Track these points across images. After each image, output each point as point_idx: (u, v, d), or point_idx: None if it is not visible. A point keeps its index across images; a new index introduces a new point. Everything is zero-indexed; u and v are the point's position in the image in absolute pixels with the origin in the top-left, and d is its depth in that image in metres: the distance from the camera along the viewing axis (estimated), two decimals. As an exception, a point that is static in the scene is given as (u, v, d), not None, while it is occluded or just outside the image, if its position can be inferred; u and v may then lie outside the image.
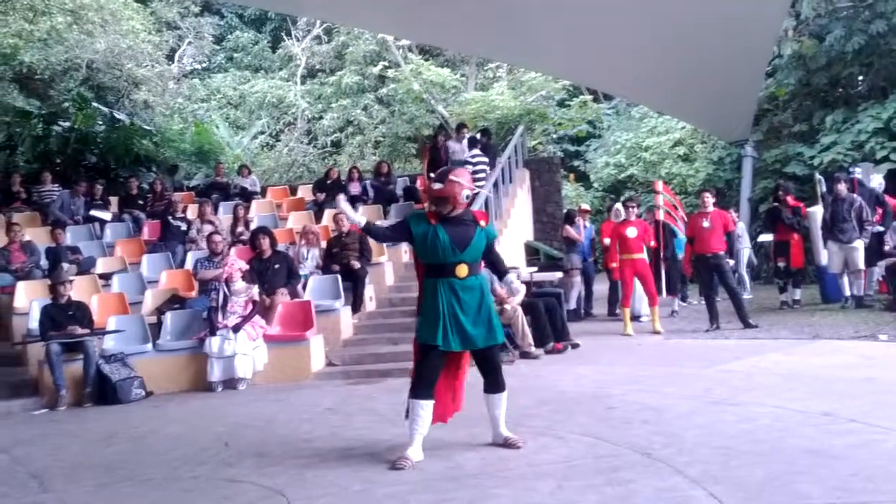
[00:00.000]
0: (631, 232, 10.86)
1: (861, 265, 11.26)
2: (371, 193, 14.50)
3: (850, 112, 16.50)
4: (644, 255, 10.90)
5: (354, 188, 14.53)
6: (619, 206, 12.42)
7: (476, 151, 13.83)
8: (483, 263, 5.35)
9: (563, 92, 22.42)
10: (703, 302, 11.10)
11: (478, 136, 14.54)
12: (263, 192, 15.81)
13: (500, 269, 5.54)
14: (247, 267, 9.51)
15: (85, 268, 11.24)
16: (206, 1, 27.43)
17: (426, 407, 5.04)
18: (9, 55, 18.96)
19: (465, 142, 14.35)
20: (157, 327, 9.65)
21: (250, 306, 9.17)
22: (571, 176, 23.63)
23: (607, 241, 12.87)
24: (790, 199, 12.71)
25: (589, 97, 21.99)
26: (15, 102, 18.95)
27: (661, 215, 12.87)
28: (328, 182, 14.69)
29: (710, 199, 10.92)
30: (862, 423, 5.18)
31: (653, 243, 11.70)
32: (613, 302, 12.82)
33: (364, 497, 4.42)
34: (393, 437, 5.60)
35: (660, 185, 13.95)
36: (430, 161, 13.61)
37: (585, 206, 14.74)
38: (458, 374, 5.36)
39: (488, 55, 16.60)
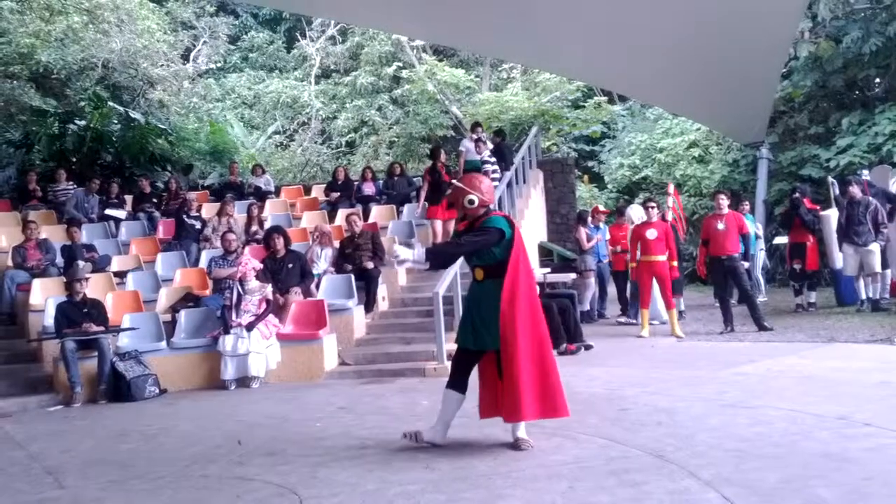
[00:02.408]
0: (651, 233, 10.79)
1: (877, 268, 11.20)
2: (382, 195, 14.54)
3: (866, 114, 16.40)
4: (664, 258, 10.81)
5: (368, 188, 14.58)
6: (630, 209, 12.39)
7: (487, 152, 13.81)
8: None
9: (578, 93, 22.38)
10: (718, 304, 11.04)
11: (483, 136, 14.40)
12: (277, 192, 15.86)
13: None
14: (261, 266, 9.54)
15: (100, 266, 11.30)
16: (222, 1, 27.54)
17: (448, 396, 5.30)
18: (26, 54, 19.09)
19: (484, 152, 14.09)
20: (171, 325, 9.71)
21: (264, 305, 9.21)
22: (585, 177, 23.58)
23: (618, 247, 12.86)
24: (807, 202, 12.65)
25: (603, 98, 21.93)
26: (31, 101, 19.07)
27: (669, 217, 12.82)
28: (338, 183, 14.72)
29: (724, 201, 10.87)
30: (877, 427, 5.14)
31: None
32: (625, 302, 12.80)
33: (376, 496, 4.42)
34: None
35: (671, 188, 13.91)
36: (430, 186, 13.01)
37: (601, 207, 14.69)
38: (496, 375, 5.29)
39: (503, 56, 16.59)
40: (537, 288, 5.30)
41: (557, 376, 5.18)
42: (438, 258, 5.32)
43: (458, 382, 5.29)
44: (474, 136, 13.93)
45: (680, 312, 12.10)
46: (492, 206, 5.36)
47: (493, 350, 5.16)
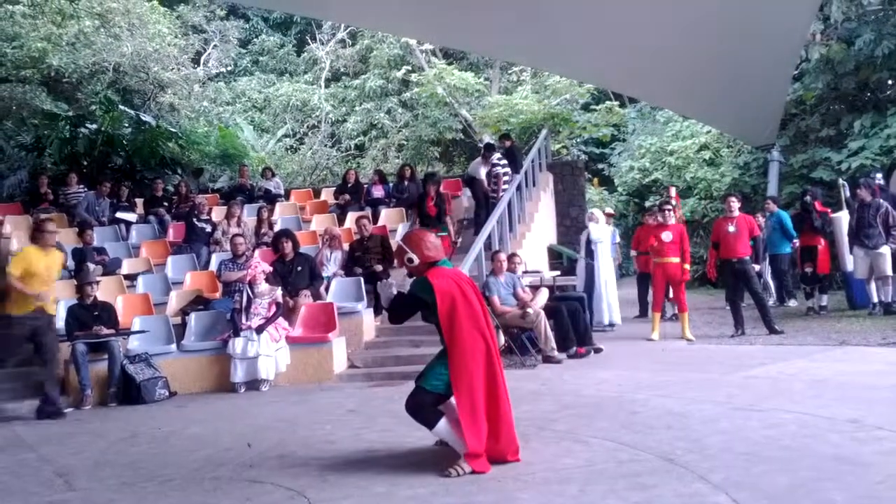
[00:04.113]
0: (666, 236, 10.80)
1: (888, 271, 11.13)
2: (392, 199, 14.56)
3: (878, 116, 16.31)
4: (677, 260, 10.81)
5: (378, 191, 14.59)
6: (593, 211, 12.64)
7: (498, 155, 13.80)
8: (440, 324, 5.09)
9: (588, 96, 22.34)
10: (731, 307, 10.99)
11: (492, 140, 14.38)
12: (287, 195, 15.89)
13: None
14: (270, 269, 9.57)
15: (111, 268, 11.35)
16: (232, 5, 27.63)
17: (438, 430, 5.14)
18: (37, 58, 19.20)
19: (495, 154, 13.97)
20: (181, 328, 9.75)
21: (273, 308, 9.22)
22: (595, 180, 23.55)
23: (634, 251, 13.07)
24: (818, 205, 12.60)
25: (615, 103, 21.87)
26: (43, 105, 19.18)
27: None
28: (348, 186, 14.74)
29: (735, 203, 10.84)
30: (889, 431, 5.11)
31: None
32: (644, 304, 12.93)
33: (386, 499, 4.42)
34: (415, 440, 5.60)
35: (673, 192, 13.88)
36: (419, 217, 12.47)
37: (610, 210, 14.67)
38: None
39: (512, 59, 16.58)
40: (487, 341, 5.08)
41: (505, 424, 4.99)
42: (390, 312, 5.47)
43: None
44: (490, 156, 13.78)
45: (673, 315, 12.07)
46: (440, 262, 5.28)
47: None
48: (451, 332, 5.03)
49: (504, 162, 13.67)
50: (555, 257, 15.12)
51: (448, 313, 5.04)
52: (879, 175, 12.88)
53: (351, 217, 13.04)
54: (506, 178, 13.41)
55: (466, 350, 4.99)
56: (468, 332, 5.03)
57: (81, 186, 14.66)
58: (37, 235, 8.36)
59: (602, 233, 12.26)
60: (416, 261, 5.25)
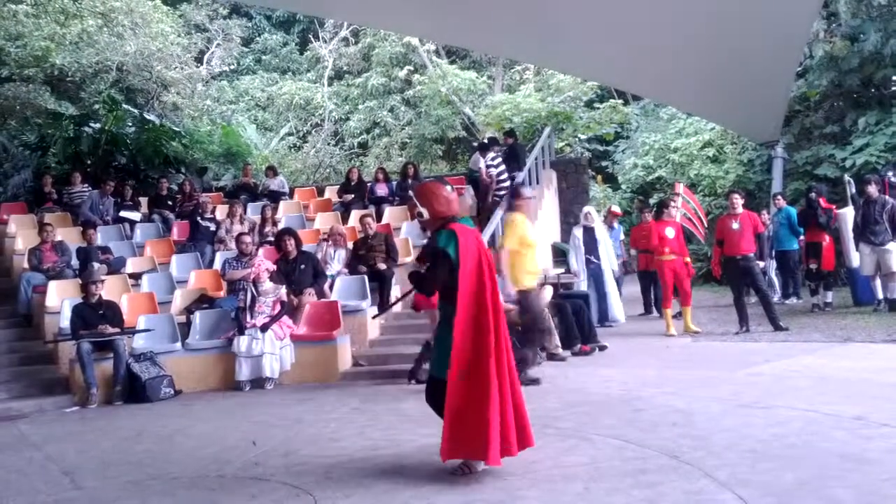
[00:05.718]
0: (669, 232, 10.88)
1: (894, 267, 11.10)
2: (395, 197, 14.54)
3: (883, 114, 16.26)
4: (678, 256, 10.90)
5: (381, 189, 14.58)
6: (588, 209, 12.76)
7: (492, 155, 13.72)
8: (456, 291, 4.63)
9: (592, 93, 22.31)
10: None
11: (497, 136, 14.34)
12: (291, 193, 15.89)
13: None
14: (274, 267, 9.58)
15: (115, 267, 11.35)
16: (235, 3, 27.64)
17: None
18: (41, 58, 19.23)
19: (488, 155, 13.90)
20: (185, 327, 9.75)
21: (278, 306, 9.24)
22: (599, 177, 23.51)
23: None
24: (822, 202, 12.58)
25: (619, 101, 21.83)
26: (46, 104, 19.22)
27: (678, 217, 12.78)
28: (351, 184, 14.73)
29: (739, 200, 10.83)
30: (895, 428, 5.10)
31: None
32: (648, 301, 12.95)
33: (390, 497, 4.42)
34: (419, 438, 5.61)
35: (680, 188, 13.84)
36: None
37: (616, 209, 14.64)
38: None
39: (515, 56, 16.54)
40: (503, 307, 4.69)
41: (504, 415, 4.61)
42: (422, 287, 4.98)
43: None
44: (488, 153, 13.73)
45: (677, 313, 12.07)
46: (456, 216, 4.76)
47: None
48: (458, 298, 4.59)
49: (498, 162, 13.60)
50: (559, 255, 15.10)
51: (467, 276, 4.55)
52: (891, 173, 12.83)
53: (355, 215, 13.03)
54: (501, 177, 13.35)
55: (469, 325, 4.62)
56: (469, 305, 4.63)
57: (85, 185, 14.67)
58: (517, 204, 7.87)
59: (602, 232, 12.34)
60: (427, 216, 4.76)
